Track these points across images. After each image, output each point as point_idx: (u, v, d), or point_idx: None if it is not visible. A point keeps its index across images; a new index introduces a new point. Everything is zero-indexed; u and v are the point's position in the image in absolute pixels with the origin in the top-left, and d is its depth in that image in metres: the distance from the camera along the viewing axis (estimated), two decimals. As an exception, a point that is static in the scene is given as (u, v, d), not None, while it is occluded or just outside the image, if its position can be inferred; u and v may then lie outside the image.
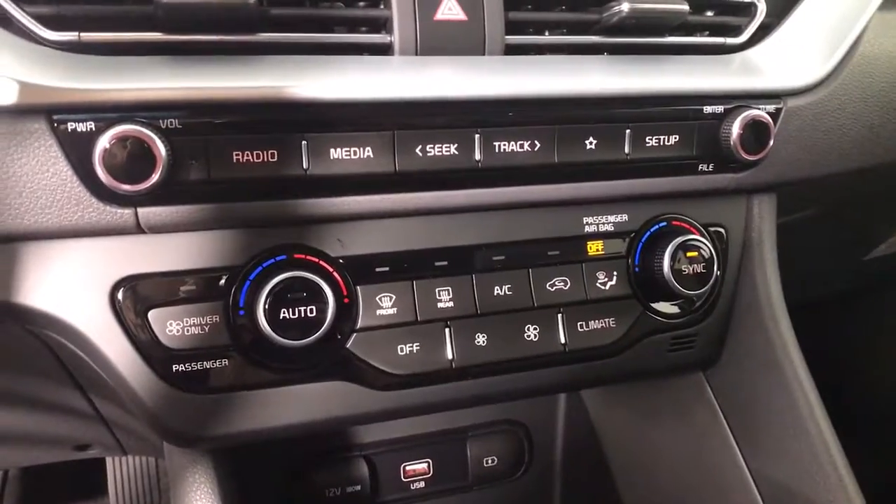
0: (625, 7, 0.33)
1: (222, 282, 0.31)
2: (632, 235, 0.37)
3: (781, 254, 0.64)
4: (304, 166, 0.30)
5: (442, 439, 0.49)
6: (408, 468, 0.48)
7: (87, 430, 0.51)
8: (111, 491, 0.94)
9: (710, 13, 0.39)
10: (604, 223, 0.37)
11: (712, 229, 0.39)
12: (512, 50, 0.35)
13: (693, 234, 0.38)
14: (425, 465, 0.48)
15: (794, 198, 0.46)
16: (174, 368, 0.31)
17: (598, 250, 0.37)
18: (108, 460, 0.95)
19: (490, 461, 0.49)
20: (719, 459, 0.39)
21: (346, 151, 0.31)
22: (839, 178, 0.43)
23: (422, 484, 0.48)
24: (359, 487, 0.47)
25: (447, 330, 0.34)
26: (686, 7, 0.35)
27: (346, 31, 0.33)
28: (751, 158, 0.36)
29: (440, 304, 0.34)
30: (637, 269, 0.37)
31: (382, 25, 0.33)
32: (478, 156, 0.32)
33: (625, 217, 0.37)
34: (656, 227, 0.38)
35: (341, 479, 0.46)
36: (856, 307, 1.10)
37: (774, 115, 0.36)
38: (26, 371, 0.41)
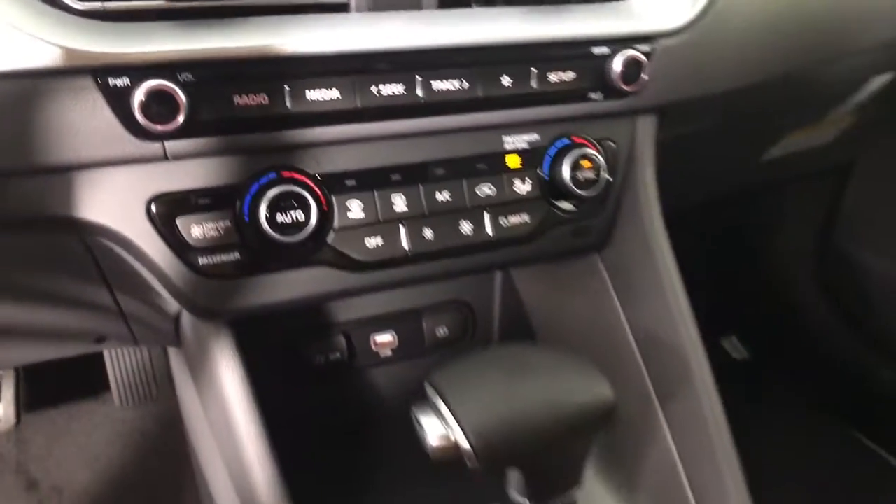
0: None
1: (231, 195, 0.41)
2: (541, 150, 0.48)
3: (686, 160, 0.76)
4: (287, 106, 0.40)
5: (403, 317, 0.61)
6: (377, 339, 0.59)
7: (105, 324, 0.61)
8: (113, 385, 1.06)
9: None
10: (519, 141, 0.48)
11: (605, 143, 0.50)
12: (445, 3, 0.45)
13: (589, 147, 0.49)
14: (390, 337, 0.60)
15: (685, 115, 0.57)
16: (199, 261, 0.41)
17: (515, 163, 0.48)
18: (108, 360, 1.06)
19: (441, 332, 0.61)
20: (609, 319, 0.52)
21: (319, 93, 0.41)
22: (709, 100, 0.55)
23: (388, 352, 0.60)
24: (339, 355, 0.58)
25: (402, 227, 0.45)
26: None
27: None
28: (630, 90, 0.46)
29: (396, 208, 0.45)
30: (546, 177, 0.48)
31: None
32: (420, 93, 0.42)
33: (536, 136, 0.48)
34: (560, 142, 0.48)
35: (325, 350, 0.58)
36: (758, 202, 1.25)
37: (649, 54, 0.47)
38: (60, 271, 0.51)
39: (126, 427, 1.11)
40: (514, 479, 0.39)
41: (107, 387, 1.08)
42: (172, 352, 0.67)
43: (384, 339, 0.60)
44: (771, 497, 1.15)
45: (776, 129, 0.84)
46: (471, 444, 0.34)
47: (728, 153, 0.86)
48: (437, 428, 0.35)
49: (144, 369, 1.07)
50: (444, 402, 0.35)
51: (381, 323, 0.60)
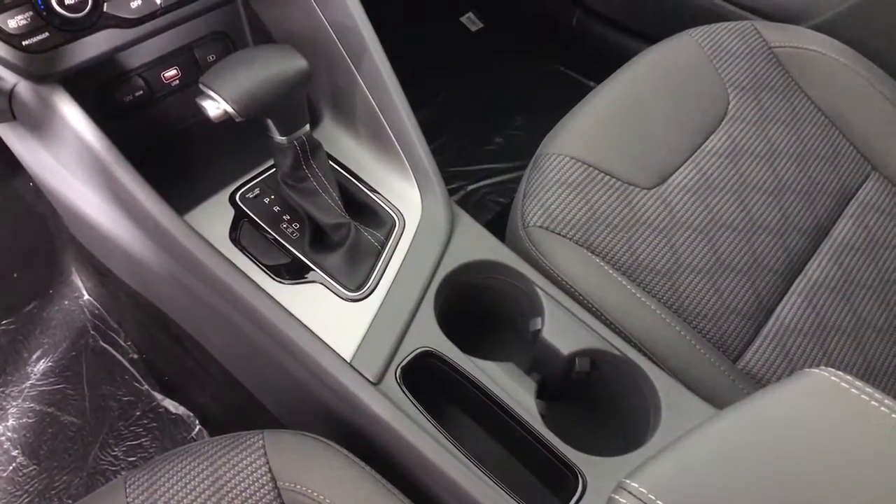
0: None
1: None
2: None
3: None
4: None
5: (180, 52, 0.77)
6: (166, 74, 0.77)
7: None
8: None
9: None
10: None
11: None
12: None
13: None
14: (175, 70, 0.78)
15: None
16: (23, 43, 0.60)
17: None
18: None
19: (210, 58, 0.78)
20: (315, 20, 0.78)
21: None
22: None
23: (176, 81, 0.78)
24: (141, 92, 0.77)
25: None
26: None
27: None
28: None
29: None
30: None
31: None
32: None
33: None
34: None
35: (131, 91, 0.76)
36: None
37: None
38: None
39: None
40: (269, 124, 0.68)
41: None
42: (6, 131, 0.85)
43: (171, 73, 0.78)
44: (501, 120, 1.60)
45: None
46: (234, 108, 0.62)
47: None
48: (213, 105, 0.63)
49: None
50: (211, 89, 0.62)
51: (166, 62, 0.78)
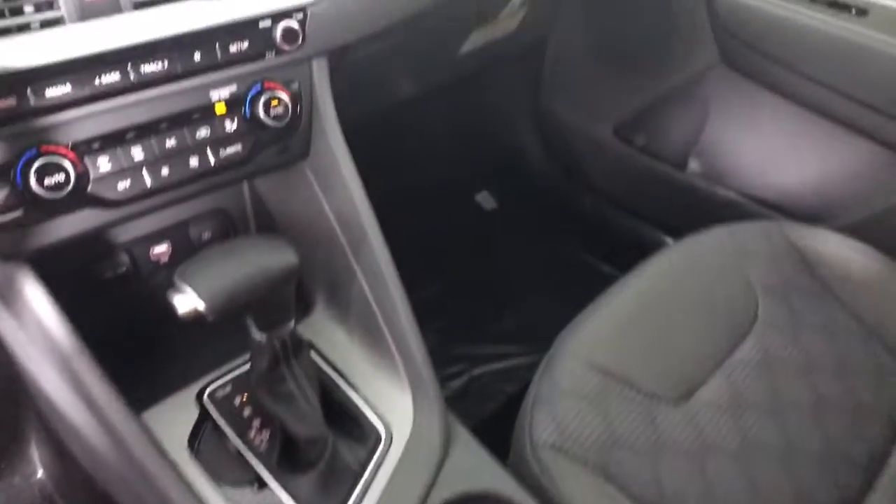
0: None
1: (6, 170, 0.54)
2: (241, 97, 0.65)
3: (387, 67, 0.95)
4: (31, 104, 0.53)
5: (175, 228, 0.74)
6: (155, 251, 0.73)
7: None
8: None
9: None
10: (223, 93, 0.64)
11: (290, 84, 0.69)
12: (139, 6, 0.59)
13: (277, 89, 0.67)
14: (166, 247, 0.74)
15: (355, 47, 0.75)
16: None
17: (222, 109, 0.65)
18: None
19: (206, 236, 0.75)
20: (318, 207, 0.73)
21: (54, 90, 0.54)
22: (368, 36, 0.74)
23: (166, 258, 0.74)
24: (124, 269, 0.72)
25: (144, 170, 0.61)
26: None
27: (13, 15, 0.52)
28: (291, 48, 0.65)
29: (135, 158, 0.59)
30: (248, 116, 0.67)
31: (49, 6, 0.55)
32: (132, 77, 0.58)
33: (235, 87, 0.65)
34: (254, 89, 0.66)
35: (114, 266, 0.71)
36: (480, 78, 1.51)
37: (302, 21, 0.66)
38: None
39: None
40: (248, 321, 0.61)
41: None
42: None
43: (161, 249, 0.73)
44: (511, 301, 1.52)
45: (456, 32, 1.07)
46: (205, 307, 0.55)
47: (423, 57, 1.08)
48: (184, 302, 0.56)
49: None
50: (185, 284, 0.55)
51: (157, 237, 0.73)
